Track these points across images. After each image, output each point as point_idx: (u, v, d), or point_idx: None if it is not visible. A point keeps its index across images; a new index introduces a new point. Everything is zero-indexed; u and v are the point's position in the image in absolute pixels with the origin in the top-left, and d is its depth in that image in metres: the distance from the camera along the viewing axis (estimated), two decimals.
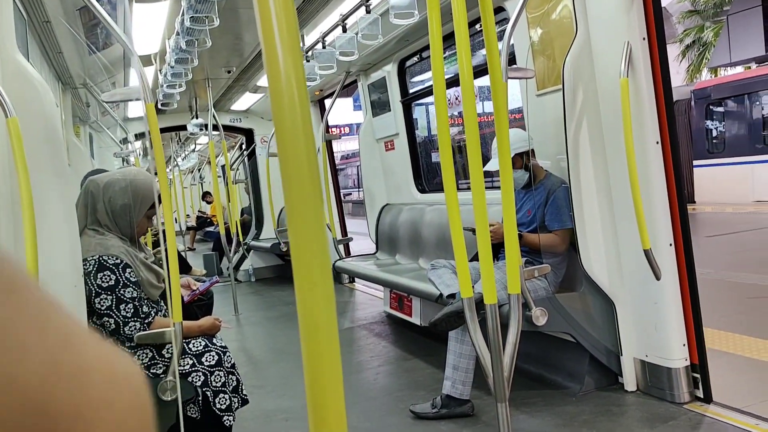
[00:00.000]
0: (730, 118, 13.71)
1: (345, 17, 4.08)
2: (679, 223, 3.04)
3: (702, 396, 3.05)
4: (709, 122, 14.09)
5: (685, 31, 22.21)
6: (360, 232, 7.86)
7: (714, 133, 14.02)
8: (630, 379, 3.27)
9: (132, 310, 2.40)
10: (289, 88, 0.79)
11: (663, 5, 3.14)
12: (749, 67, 17.07)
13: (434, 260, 3.77)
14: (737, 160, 13.25)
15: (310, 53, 4.71)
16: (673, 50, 22.09)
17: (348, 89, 7.22)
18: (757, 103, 12.96)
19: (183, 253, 7.36)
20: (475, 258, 3.03)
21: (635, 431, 2.86)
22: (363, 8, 3.80)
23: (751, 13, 16.81)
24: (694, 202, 13.54)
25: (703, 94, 14.07)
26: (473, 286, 2.19)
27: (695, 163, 13.94)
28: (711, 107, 13.98)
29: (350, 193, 27.56)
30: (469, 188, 2.07)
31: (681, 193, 3.03)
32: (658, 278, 2.99)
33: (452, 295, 3.35)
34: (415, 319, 4.49)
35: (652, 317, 3.13)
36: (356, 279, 7.32)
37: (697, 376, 3.07)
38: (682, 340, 3.07)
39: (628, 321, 3.26)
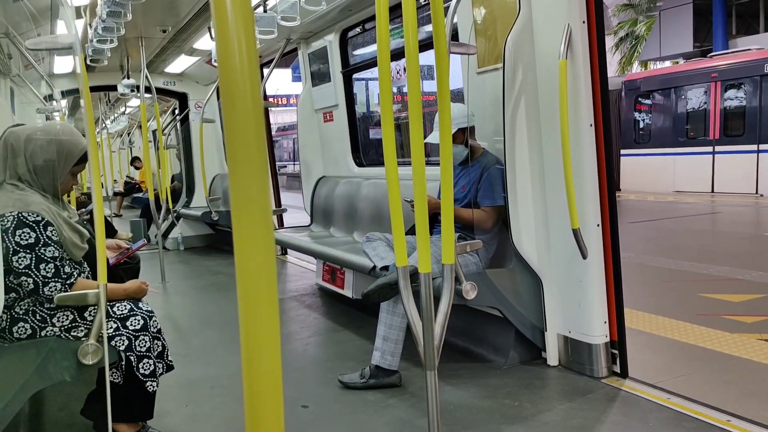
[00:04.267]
0: (656, 110, 14.26)
1: None
2: (607, 205, 3.13)
3: (619, 371, 3.18)
4: (637, 113, 14.61)
5: (619, 23, 22.86)
6: (294, 205, 7.78)
7: (641, 124, 14.55)
8: (553, 354, 3.38)
9: (53, 270, 2.30)
10: (240, 49, 0.76)
11: None
12: (677, 62, 17.78)
13: (369, 233, 3.77)
14: (661, 151, 13.82)
15: None
16: (607, 41, 22.72)
17: (286, 59, 7.08)
18: (683, 97, 13.51)
19: (109, 218, 7.11)
20: (410, 232, 3.05)
21: (555, 403, 2.96)
22: None
23: (682, 9, 17.47)
24: (620, 190, 14.06)
25: (633, 85, 14.56)
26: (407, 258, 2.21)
27: (622, 152, 14.45)
28: (640, 99, 14.49)
29: (285, 166, 27.24)
30: (406, 164, 2.07)
31: (611, 175, 3.12)
32: (584, 257, 3.09)
33: (385, 268, 3.36)
34: (347, 292, 4.49)
35: (576, 295, 3.23)
36: (289, 251, 7.26)
37: (616, 352, 3.19)
38: (603, 318, 3.18)
39: (553, 298, 3.36)
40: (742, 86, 12.36)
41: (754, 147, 11.99)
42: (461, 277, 3.01)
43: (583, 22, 3.02)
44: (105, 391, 2.33)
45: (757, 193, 11.93)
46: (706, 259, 6.22)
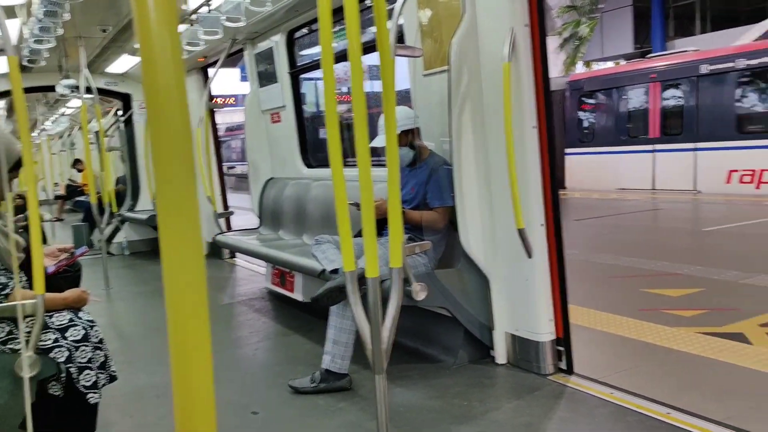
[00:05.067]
0: (600, 110, 14.61)
1: None
2: (551, 205, 3.20)
3: (565, 368, 3.25)
4: (581, 113, 14.94)
5: (563, 24, 23.36)
6: (242, 206, 7.68)
7: (585, 124, 14.89)
8: (501, 353, 3.43)
9: None
10: (163, 55, 0.74)
11: None
12: (618, 63, 18.27)
13: (318, 236, 3.75)
14: (604, 149, 14.16)
15: (194, 17, 4.50)
16: (551, 42, 23.18)
17: (234, 59, 6.99)
18: (624, 97, 13.89)
19: (50, 223, 6.87)
20: (358, 234, 3.04)
21: (503, 402, 3.00)
22: None
23: (622, 11, 17.97)
24: (565, 188, 14.35)
25: (577, 85, 14.88)
26: (356, 261, 2.20)
27: (567, 150, 14.75)
28: (583, 99, 14.82)
29: (233, 167, 26.84)
30: (354, 165, 2.06)
31: (554, 176, 3.18)
32: (530, 256, 3.14)
33: (335, 271, 3.35)
34: (297, 295, 4.46)
35: (523, 293, 3.29)
36: (237, 254, 7.17)
37: (562, 349, 3.26)
38: (549, 316, 3.25)
39: (501, 297, 3.41)
40: (680, 86, 12.78)
41: (691, 145, 12.41)
42: (411, 278, 3.02)
43: (526, 25, 3.07)
44: (44, 404, 2.26)
45: (695, 189, 12.36)
46: (648, 255, 6.41)
